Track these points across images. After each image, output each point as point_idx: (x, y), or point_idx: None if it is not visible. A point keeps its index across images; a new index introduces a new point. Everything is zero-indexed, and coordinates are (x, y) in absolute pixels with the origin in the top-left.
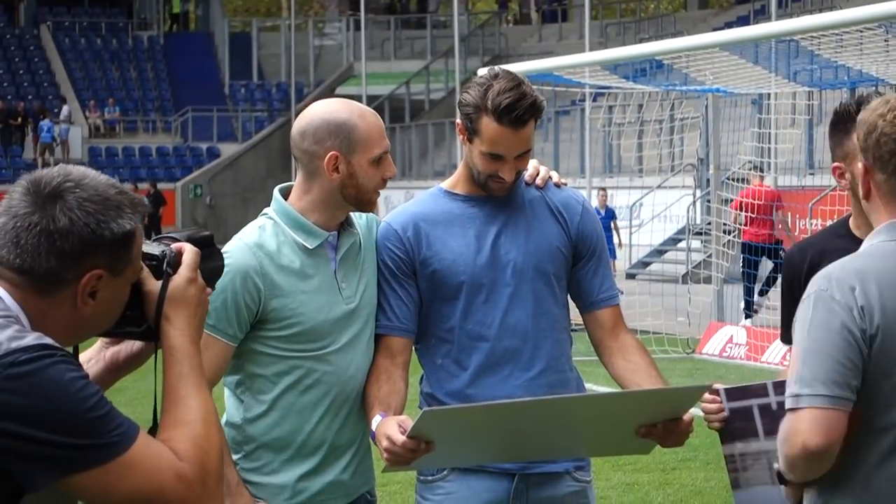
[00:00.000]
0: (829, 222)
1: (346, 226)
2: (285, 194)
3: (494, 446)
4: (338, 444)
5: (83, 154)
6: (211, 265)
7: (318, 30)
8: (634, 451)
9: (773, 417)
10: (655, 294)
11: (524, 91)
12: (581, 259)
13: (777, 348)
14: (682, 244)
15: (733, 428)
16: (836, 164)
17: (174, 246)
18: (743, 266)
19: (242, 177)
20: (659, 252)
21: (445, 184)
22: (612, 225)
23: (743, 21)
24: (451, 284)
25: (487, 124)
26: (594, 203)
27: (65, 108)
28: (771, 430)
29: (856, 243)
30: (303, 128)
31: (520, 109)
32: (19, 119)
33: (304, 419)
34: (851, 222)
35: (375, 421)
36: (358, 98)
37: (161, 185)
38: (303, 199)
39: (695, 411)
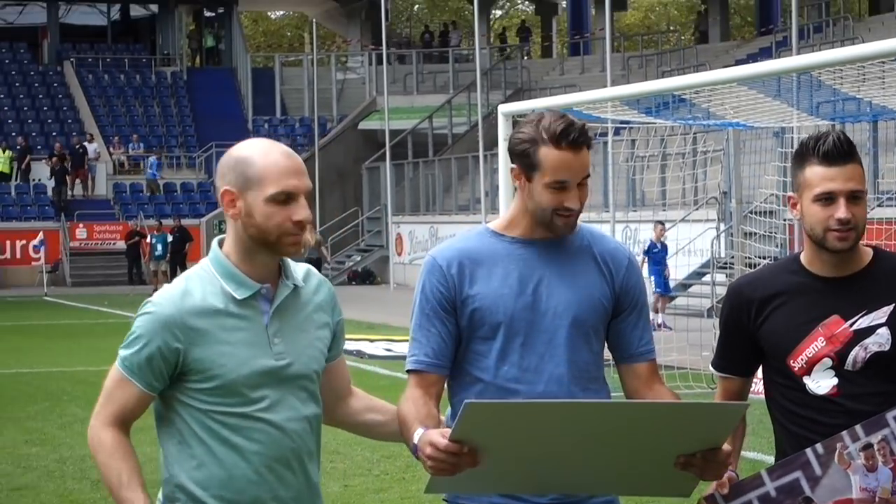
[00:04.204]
0: None
1: (282, 277)
2: (222, 243)
3: (534, 467)
4: (272, 501)
5: (108, 191)
6: None
7: (341, 64)
8: (674, 492)
9: None
10: (680, 328)
11: (572, 120)
12: (622, 312)
13: None
14: (707, 278)
15: None
16: (790, 194)
17: None
18: None
19: None
20: (683, 286)
21: (493, 224)
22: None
23: (765, 53)
24: (490, 324)
25: (547, 153)
26: (651, 236)
27: (92, 146)
28: None
29: (810, 278)
30: (218, 166)
31: (574, 132)
32: (66, 158)
33: (234, 475)
34: (803, 257)
35: (417, 434)
36: (381, 132)
37: (186, 222)
38: (228, 244)
39: None
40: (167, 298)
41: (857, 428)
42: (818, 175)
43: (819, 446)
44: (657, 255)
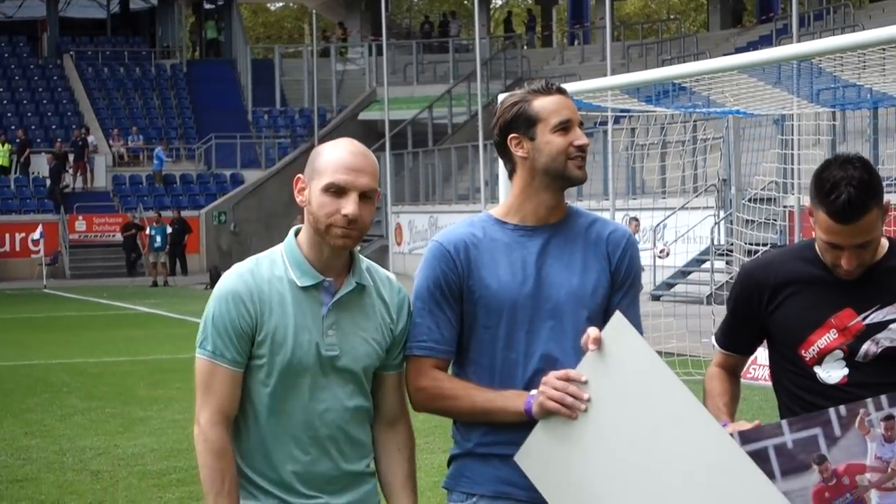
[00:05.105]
0: None
1: (348, 274)
2: (299, 232)
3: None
4: (303, 482)
5: (107, 182)
6: None
7: (341, 55)
8: None
9: (789, 456)
10: (680, 315)
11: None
12: (613, 289)
13: None
14: (706, 265)
15: None
16: (809, 205)
17: None
18: None
19: (266, 203)
20: (683, 273)
21: (495, 211)
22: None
23: (766, 40)
24: (494, 312)
25: (542, 101)
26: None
27: (91, 138)
28: (788, 470)
29: (824, 270)
30: None
31: (555, 84)
32: (67, 156)
33: (271, 451)
34: (818, 245)
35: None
36: (380, 123)
37: (185, 213)
38: (302, 233)
39: None
40: (233, 277)
41: (883, 398)
42: (826, 225)
43: (843, 408)
44: None
